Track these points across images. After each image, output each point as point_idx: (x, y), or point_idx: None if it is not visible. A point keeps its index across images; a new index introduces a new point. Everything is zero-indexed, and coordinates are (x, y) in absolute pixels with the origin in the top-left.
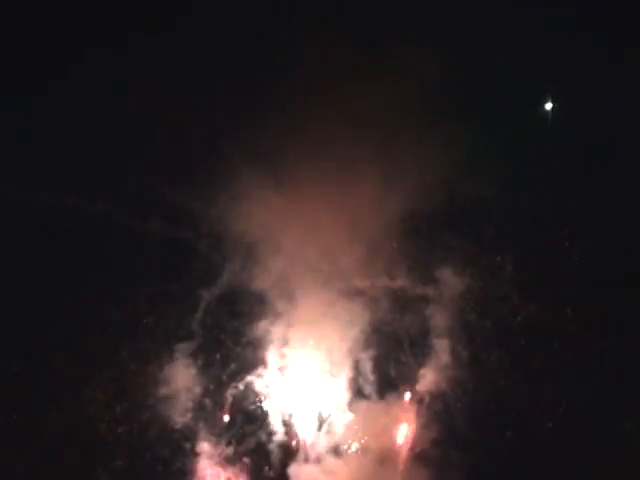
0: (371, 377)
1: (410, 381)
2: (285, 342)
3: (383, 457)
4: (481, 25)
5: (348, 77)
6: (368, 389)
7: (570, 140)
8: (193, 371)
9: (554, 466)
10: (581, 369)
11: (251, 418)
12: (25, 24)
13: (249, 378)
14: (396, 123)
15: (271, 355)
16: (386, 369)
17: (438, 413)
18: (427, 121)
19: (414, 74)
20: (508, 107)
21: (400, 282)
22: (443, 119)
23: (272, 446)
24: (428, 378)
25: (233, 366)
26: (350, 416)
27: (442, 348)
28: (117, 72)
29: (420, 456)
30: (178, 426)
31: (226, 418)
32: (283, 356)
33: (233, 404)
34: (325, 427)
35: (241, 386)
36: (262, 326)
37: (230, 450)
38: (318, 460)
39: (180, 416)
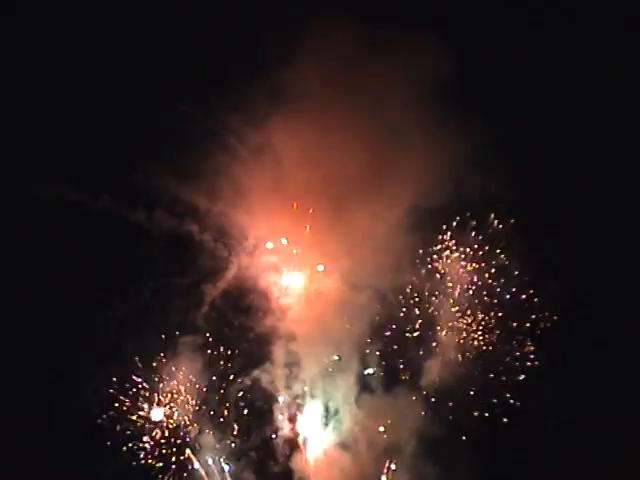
0: (378, 371)
1: (416, 376)
2: (292, 337)
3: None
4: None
5: (355, 72)
6: (375, 383)
7: (577, 137)
8: (198, 365)
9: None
10: (589, 365)
11: (257, 412)
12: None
13: (255, 373)
14: (403, 118)
15: (277, 350)
16: (393, 363)
17: (444, 408)
18: (435, 116)
19: (423, 69)
20: (516, 102)
21: (406, 276)
22: (451, 114)
23: (278, 440)
24: (433, 373)
25: (239, 361)
26: (357, 410)
27: (448, 343)
28: (122, 69)
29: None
30: (183, 421)
31: (232, 412)
32: (290, 351)
33: (239, 398)
34: (332, 421)
35: (247, 381)
36: (268, 321)
37: (235, 444)
38: (324, 453)
39: (185, 411)
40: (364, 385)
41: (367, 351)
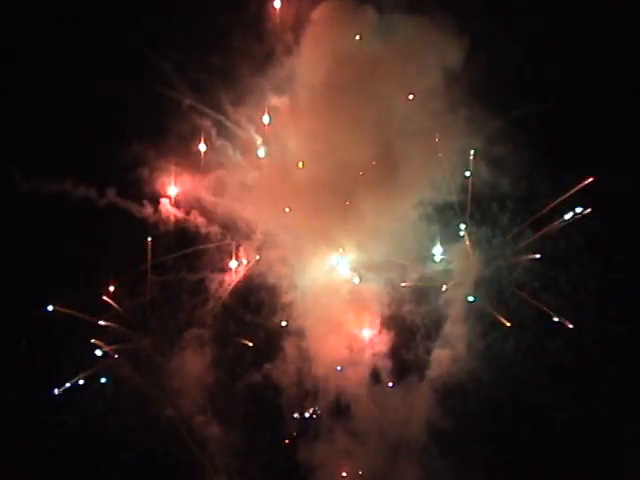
0: (387, 364)
1: (424, 370)
2: (301, 332)
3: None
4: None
5: (364, 63)
6: (384, 376)
7: (586, 125)
8: (205, 360)
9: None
10: (599, 358)
11: (266, 408)
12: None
13: (264, 368)
14: (411, 110)
15: (286, 344)
16: (402, 356)
17: (453, 403)
18: (443, 108)
19: (432, 60)
20: (524, 96)
21: (414, 269)
22: (459, 106)
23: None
24: (442, 367)
25: (248, 356)
26: (368, 402)
27: (457, 336)
28: (126, 68)
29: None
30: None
31: (240, 407)
32: (298, 344)
33: (248, 394)
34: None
35: (257, 376)
36: (276, 316)
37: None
38: (336, 444)
39: (192, 406)
40: (375, 379)
41: (377, 343)
